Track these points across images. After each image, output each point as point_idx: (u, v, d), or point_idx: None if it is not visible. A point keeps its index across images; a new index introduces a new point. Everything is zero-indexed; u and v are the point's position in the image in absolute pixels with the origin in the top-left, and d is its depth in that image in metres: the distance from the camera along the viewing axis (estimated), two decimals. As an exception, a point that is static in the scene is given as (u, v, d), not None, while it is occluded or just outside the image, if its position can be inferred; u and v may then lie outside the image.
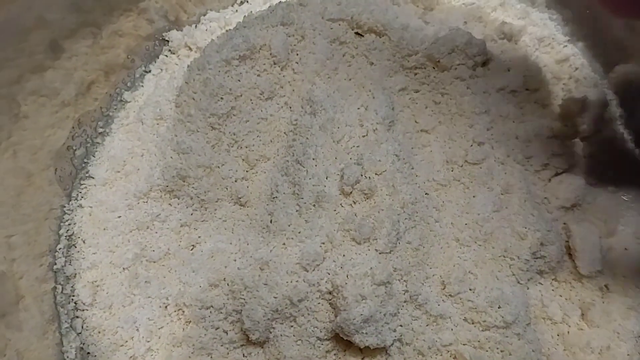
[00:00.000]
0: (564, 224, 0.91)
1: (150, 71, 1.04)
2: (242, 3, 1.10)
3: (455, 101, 0.94)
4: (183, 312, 0.85)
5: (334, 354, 0.83)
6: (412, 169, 0.89)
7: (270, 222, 0.85)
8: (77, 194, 0.92)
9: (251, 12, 1.01)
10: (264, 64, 0.94)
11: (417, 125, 0.95)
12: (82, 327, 0.87)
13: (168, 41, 1.06)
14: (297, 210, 0.84)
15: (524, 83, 0.97)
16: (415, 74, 0.97)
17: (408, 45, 0.95)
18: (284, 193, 0.86)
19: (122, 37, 0.98)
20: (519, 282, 0.86)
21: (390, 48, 0.96)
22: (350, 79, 0.95)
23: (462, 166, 0.91)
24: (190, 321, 0.85)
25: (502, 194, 0.89)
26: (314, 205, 0.83)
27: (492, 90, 0.95)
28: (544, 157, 0.92)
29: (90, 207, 0.92)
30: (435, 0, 1.02)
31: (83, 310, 0.87)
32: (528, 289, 0.88)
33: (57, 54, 0.90)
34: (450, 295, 0.82)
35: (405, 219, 0.82)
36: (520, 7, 1.04)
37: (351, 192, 0.83)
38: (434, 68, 0.96)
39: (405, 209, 0.82)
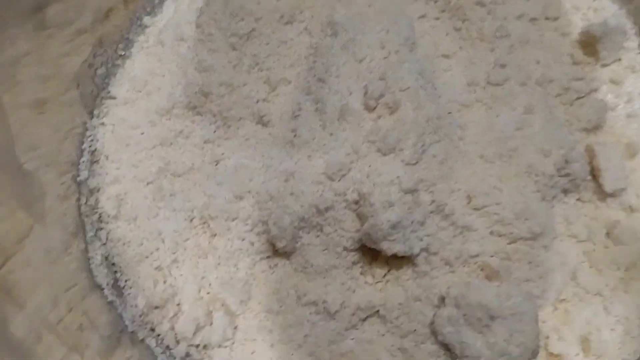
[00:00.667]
0: (587, 145, 0.91)
1: (169, -2, 1.03)
2: None
3: (475, 26, 0.93)
4: (208, 224, 0.85)
5: (360, 266, 0.82)
6: (435, 89, 0.89)
7: (294, 137, 0.84)
8: (99, 113, 0.92)
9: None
10: (283, -10, 0.93)
11: (437, 51, 0.94)
12: (107, 238, 0.86)
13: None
14: (320, 125, 0.83)
15: (544, 11, 0.97)
16: (436, 1, 0.97)
17: (428, -27, 0.95)
18: (306, 110, 0.86)
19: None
20: (544, 199, 0.85)
21: (411, -23, 0.96)
22: (370, 6, 0.95)
23: (484, 88, 0.91)
24: (215, 234, 0.84)
25: (524, 114, 0.88)
26: (338, 120, 0.83)
27: (511, 17, 0.95)
28: (564, 81, 0.92)
29: (113, 124, 0.91)
30: None
31: (107, 222, 0.86)
32: (553, 207, 0.87)
33: None
34: (476, 208, 0.82)
35: (430, 132, 0.82)
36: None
37: (375, 107, 0.82)
38: (454, -6, 0.95)
39: (430, 122, 0.82)
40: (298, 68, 0.93)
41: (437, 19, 0.97)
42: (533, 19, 0.96)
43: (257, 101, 0.89)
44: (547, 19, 0.97)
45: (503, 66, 0.91)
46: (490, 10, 0.94)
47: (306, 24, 0.94)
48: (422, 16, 0.96)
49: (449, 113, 0.88)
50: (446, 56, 0.94)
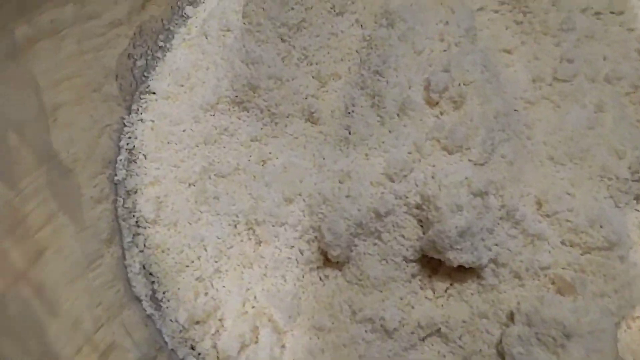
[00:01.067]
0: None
1: (213, -15, 0.97)
2: None
3: (538, 19, 0.87)
4: (254, 230, 0.78)
5: (419, 279, 0.75)
6: (500, 84, 0.82)
7: (349, 134, 0.78)
8: (138, 108, 0.85)
9: None
10: (337, -25, 0.87)
11: (498, 45, 0.88)
12: (145, 244, 0.79)
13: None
14: (378, 121, 0.77)
15: (609, 5, 0.90)
16: (495, -7, 0.90)
17: (488, -38, 0.89)
18: (361, 106, 0.80)
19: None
20: (617, 205, 0.78)
21: (469, -34, 0.90)
22: (426, -3, 0.88)
23: (550, 84, 0.84)
24: (262, 241, 0.77)
25: (595, 112, 0.82)
26: (398, 115, 0.76)
27: (576, 10, 0.89)
28: (635, 78, 0.85)
29: (152, 120, 0.85)
30: None
31: (146, 227, 0.79)
32: (625, 214, 0.80)
33: None
34: (547, 215, 0.75)
35: (499, 130, 0.75)
36: None
37: (438, 101, 0.76)
38: (515, -15, 0.89)
39: (498, 119, 0.75)
40: (349, 62, 0.87)
41: (497, 11, 0.91)
42: (597, 13, 0.90)
43: (307, 97, 0.83)
44: (612, 13, 0.91)
45: (571, 61, 0.84)
46: (554, 1, 0.87)
47: (358, 15, 0.88)
48: (481, 8, 0.90)
49: (515, 110, 0.82)
50: (507, 51, 0.88)
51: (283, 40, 0.83)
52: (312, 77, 0.85)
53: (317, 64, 0.85)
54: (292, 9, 0.83)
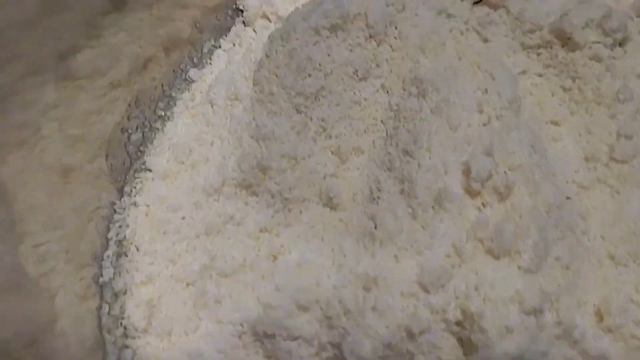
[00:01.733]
0: None
1: (220, 46, 0.86)
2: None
3: (590, 86, 0.76)
4: (263, 343, 0.66)
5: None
6: (549, 165, 0.71)
7: (375, 227, 0.66)
8: (131, 189, 0.75)
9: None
10: (358, 37, 0.77)
11: (544, 116, 0.77)
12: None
13: (242, 10, 0.88)
14: (409, 213, 0.65)
15: (671, 69, 0.79)
16: (539, 54, 0.80)
17: (530, 19, 0.78)
18: (388, 192, 0.68)
19: (185, 8, 0.81)
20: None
21: (508, 22, 0.80)
22: (460, 58, 0.78)
23: (606, 164, 0.73)
24: (271, 356, 0.65)
25: (660, 200, 0.70)
26: (433, 207, 0.65)
27: (631, 75, 0.77)
28: None
29: (148, 205, 0.73)
30: (556, -34, 0.84)
31: (135, 337, 0.68)
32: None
33: (97, 31, 0.72)
34: (609, 329, 0.63)
35: (552, 226, 0.64)
36: (663, -22, 0.86)
37: (480, 191, 0.65)
38: (562, 47, 0.78)
39: (551, 213, 0.64)
40: (373, 134, 0.76)
41: (541, 75, 0.80)
42: (656, 77, 0.78)
43: (325, 176, 0.72)
44: (673, 77, 0.79)
45: (629, 137, 0.73)
46: (608, 66, 0.76)
47: (384, 79, 0.78)
48: (523, 72, 0.79)
49: (567, 198, 0.70)
50: (555, 122, 0.77)
51: (298, 112, 0.72)
52: (331, 152, 0.74)
53: (336, 137, 0.74)
54: (310, 75, 0.72)
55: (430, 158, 0.67)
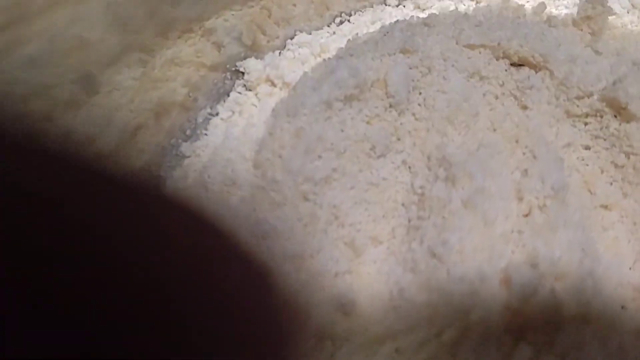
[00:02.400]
0: None
1: (218, 114, 0.75)
2: (341, 22, 0.82)
3: (649, 165, 0.64)
4: None
5: None
6: (601, 266, 0.60)
7: (395, 351, 0.56)
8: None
9: (356, 34, 0.74)
10: (377, 107, 0.67)
11: (593, 199, 0.66)
12: None
13: (243, 73, 0.77)
14: (438, 334, 0.55)
15: None
16: (586, 124, 0.69)
17: (578, 84, 0.68)
18: (412, 301, 0.58)
19: (180, 66, 0.71)
20: None
21: (551, 87, 0.69)
22: (495, 130, 0.67)
23: (669, 263, 0.62)
24: None
25: None
26: (466, 328, 0.54)
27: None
28: None
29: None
30: (605, 22, 0.73)
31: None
32: None
33: (93, 87, 0.64)
34: None
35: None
36: None
37: (522, 310, 0.54)
38: (615, 117, 0.67)
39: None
40: (393, 221, 0.65)
41: (589, 148, 0.69)
42: None
43: (336, 274, 0.61)
44: None
45: (696, 231, 0.61)
46: (669, 141, 0.65)
47: (405, 155, 0.67)
48: (568, 145, 0.68)
49: (622, 307, 0.59)
50: (605, 207, 0.66)
51: (307, 200, 0.62)
52: (344, 244, 0.63)
53: (350, 225, 0.64)
54: (320, 157, 0.62)
55: (462, 263, 0.57)
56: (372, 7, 0.81)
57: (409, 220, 0.64)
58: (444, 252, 0.57)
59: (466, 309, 0.55)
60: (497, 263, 0.56)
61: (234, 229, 0.37)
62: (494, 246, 0.58)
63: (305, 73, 0.67)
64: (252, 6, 0.76)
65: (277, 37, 0.79)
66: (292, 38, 0.80)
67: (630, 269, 0.63)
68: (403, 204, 0.66)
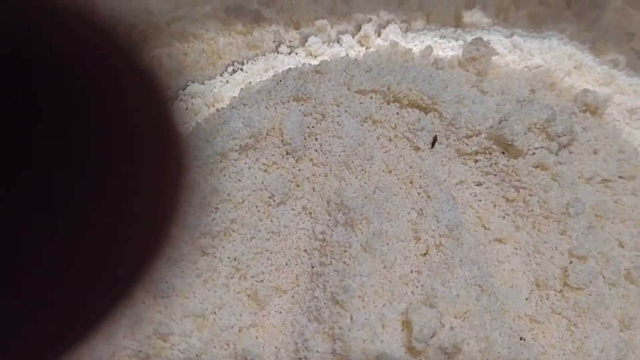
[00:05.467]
0: None
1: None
2: (234, 71, 0.82)
3: (537, 198, 0.67)
4: None
5: None
6: (497, 300, 0.62)
7: (303, 401, 0.55)
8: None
9: (250, 83, 0.74)
10: (273, 155, 0.66)
11: (488, 234, 0.68)
12: None
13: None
14: (343, 385, 0.54)
15: (618, 170, 0.72)
16: (477, 162, 0.71)
17: (466, 123, 0.70)
18: (317, 351, 0.57)
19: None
20: None
21: (441, 127, 0.71)
22: (390, 171, 0.69)
23: (560, 291, 0.64)
24: None
25: (621, 331, 0.62)
26: (370, 374, 0.54)
27: (580, 180, 0.70)
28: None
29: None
30: (489, 62, 0.77)
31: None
32: None
33: None
34: None
35: (508, 388, 0.54)
36: (602, 70, 0.80)
37: (424, 351, 0.54)
38: (503, 153, 0.70)
39: (507, 371, 0.54)
40: (296, 269, 0.65)
41: (480, 184, 0.71)
42: (605, 180, 0.71)
43: (240, 329, 0.60)
44: (621, 178, 0.73)
45: (583, 259, 0.65)
46: (555, 174, 0.68)
47: (305, 200, 0.67)
48: (460, 182, 0.71)
49: (522, 339, 0.61)
50: (499, 240, 0.68)
51: (205, 254, 0.61)
52: (248, 297, 0.62)
53: (252, 277, 0.63)
54: (216, 209, 0.61)
55: (364, 308, 0.57)
56: (264, 55, 0.82)
57: (312, 267, 0.64)
58: (346, 300, 0.57)
59: (369, 354, 0.54)
60: (398, 306, 0.57)
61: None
62: (394, 289, 0.58)
63: (197, 124, 0.66)
64: (142, 57, 0.74)
65: (168, 88, 0.78)
66: (184, 89, 0.79)
67: (526, 299, 0.64)
68: (305, 251, 0.65)
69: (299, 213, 0.67)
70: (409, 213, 0.65)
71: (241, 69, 0.81)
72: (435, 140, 0.70)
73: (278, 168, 0.67)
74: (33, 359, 0.27)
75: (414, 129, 0.70)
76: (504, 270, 0.66)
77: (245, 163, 0.65)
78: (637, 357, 0.61)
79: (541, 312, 0.63)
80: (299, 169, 0.67)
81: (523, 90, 0.77)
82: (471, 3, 0.83)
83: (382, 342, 0.55)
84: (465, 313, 0.57)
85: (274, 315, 0.63)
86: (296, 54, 0.82)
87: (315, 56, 0.81)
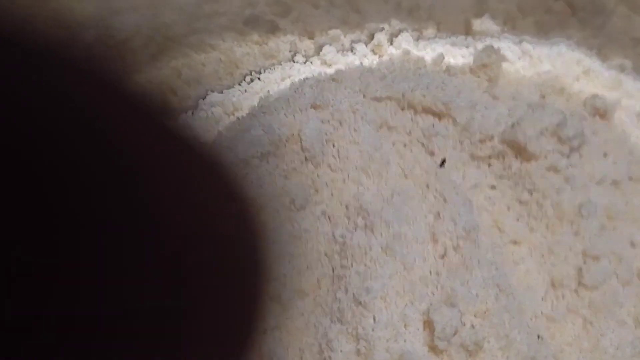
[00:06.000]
0: None
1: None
2: (252, 80, 0.84)
3: (550, 200, 0.69)
4: None
5: None
6: (515, 300, 0.63)
7: (329, 403, 0.56)
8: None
9: (268, 91, 0.76)
10: (293, 162, 0.68)
11: (503, 236, 0.69)
12: None
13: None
14: (369, 383, 0.56)
15: (627, 171, 0.74)
16: (490, 165, 0.73)
17: (480, 128, 0.72)
18: (341, 351, 0.59)
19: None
20: None
21: (455, 133, 0.73)
22: (406, 176, 0.70)
23: (575, 290, 0.66)
24: None
25: (635, 328, 0.64)
26: (395, 372, 0.56)
27: (591, 182, 0.72)
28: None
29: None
30: (500, 69, 0.79)
31: None
32: None
33: None
34: None
35: (528, 384, 0.56)
36: (610, 74, 0.82)
37: (446, 349, 0.56)
38: (515, 157, 0.72)
39: (526, 367, 0.56)
40: (316, 272, 0.66)
41: (494, 187, 0.73)
42: (615, 182, 0.73)
43: (265, 331, 0.61)
44: (631, 179, 0.74)
45: (596, 259, 0.66)
46: (567, 177, 0.70)
47: (324, 206, 0.69)
48: (475, 186, 0.72)
49: (539, 337, 0.62)
50: (515, 242, 0.70)
51: (229, 258, 0.62)
52: (271, 299, 0.63)
53: (275, 279, 0.64)
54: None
55: (386, 309, 0.58)
56: (280, 64, 0.84)
57: (333, 270, 0.65)
58: (368, 301, 0.59)
59: (393, 352, 0.56)
60: (419, 305, 0.59)
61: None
62: (415, 289, 0.60)
63: (219, 132, 0.68)
64: (162, 68, 0.77)
65: (189, 97, 0.80)
66: (204, 98, 0.81)
67: (542, 299, 0.66)
68: (326, 254, 0.67)
69: (318, 218, 0.68)
70: (426, 216, 0.67)
71: (258, 78, 0.83)
72: (444, 161, 0.72)
73: (298, 174, 0.68)
74: None
75: (428, 134, 0.72)
76: (520, 271, 0.68)
77: (266, 169, 0.66)
78: (652, 354, 0.62)
79: (557, 311, 0.65)
80: (317, 175, 0.69)
81: (533, 96, 0.78)
82: (480, 12, 0.85)
83: (405, 341, 0.57)
84: (485, 312, 0.58)
85: (297, 317, 0.64)
86: (311, 63, 0.84)
87: (330, 65, 0.83)
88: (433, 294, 0.60)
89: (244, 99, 0.80)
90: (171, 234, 0.28)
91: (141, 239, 0.26)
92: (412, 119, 0.74)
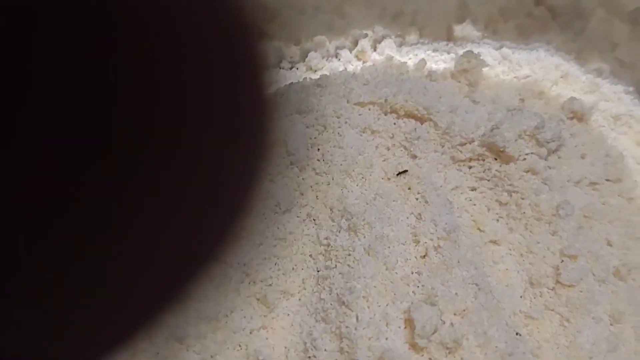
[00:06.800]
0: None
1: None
2: (238, 86, 0.86)
3: (529, 201, 0.71)
4: None
5: None
6: (494, 298, 0.65)
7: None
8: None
9: (254, 97, 0.77)
10: (279, 165, 0.70)
11: (483, 236, 0.71)
12: None
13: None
14: (351, 378, 0.58)
15: (605, 173, 0.76)
16: (470, 168, 0.75)
17: (460, 132, 0.74)
18: (325, 350, 0.60)
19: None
20: None
21: (436, 136, 0.75)
22: (389, 179, 0.72)
23: (553, 289, 0.68)
24: None
25: (611, 325, 0.66)
26: (376, 369, 0.58)
27: (568, 184, 0.74)
28: (648, 267, 0.70)
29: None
30: (479, 73, 0.81)
31: None
32: None
33: None
34: None
35: (507, 380, 0.58)
36: (587, 78, 0.84)
37: (426, 347, 0.58)
38: (495, 159, 0.74)
39: (504, 364, 0.58)
40: (302, 273, 0.68)
41: (474, 189, 0.75)
42: (593, 183, 0.75)
43: (251, 331, 0.63)
44: (608, 180, 0.77)
45: (574, 258, 0.68)
46: (545, 178, 0.72)
47: (309, 208, 0.71)
48: (456, 188, 0.74)
49: (517, 334, 0.64)
50: (494, 242, 0.72)
51: (216, 260, 0.63)
52: (257, 300, 0.65)
53: (261, 281, 0.66)
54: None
55: (368, 308, 0.60)
56: (267, 70, 0.85)
57: (318, 271, 0.67)
58: (351, 300, 0.61)
59: (375, 350, 0.58)
60: (400, 305, 0.60)
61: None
62: (396, 289, 0.61)
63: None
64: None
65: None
66: (192, 105, 0.82)
67: (521, 297, 0.68)
68: (311, 255, 0.69)
69: (303, 220, 0.70)
70: (408, 217, 0.69)
71: (245, 84, 0.85)
72: (405, 171, 0.73)
73: (283, 178, 0.70)
74: None
75: (410, 138, 0.74)
76: (499, 270, 0.70)
77: (252, 173, 0.68)
78: (626, 349, 0.64)
79: (535, 308, 0.67)
80: (302, 178, 0.71)
81: (513, 100, 0.81)
82: (461, 17, 0.87)
83: (386, 339, 0.58)
84: (464, 310, 0.60)
85: (282, 317, 0.66)
86: (297, 68, 0.86)
87: (315, 70, 0.85)
88: (414, 293, 0.61)
89: (230, 105, 0.81)
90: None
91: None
92: (394, 123, 0.75)
